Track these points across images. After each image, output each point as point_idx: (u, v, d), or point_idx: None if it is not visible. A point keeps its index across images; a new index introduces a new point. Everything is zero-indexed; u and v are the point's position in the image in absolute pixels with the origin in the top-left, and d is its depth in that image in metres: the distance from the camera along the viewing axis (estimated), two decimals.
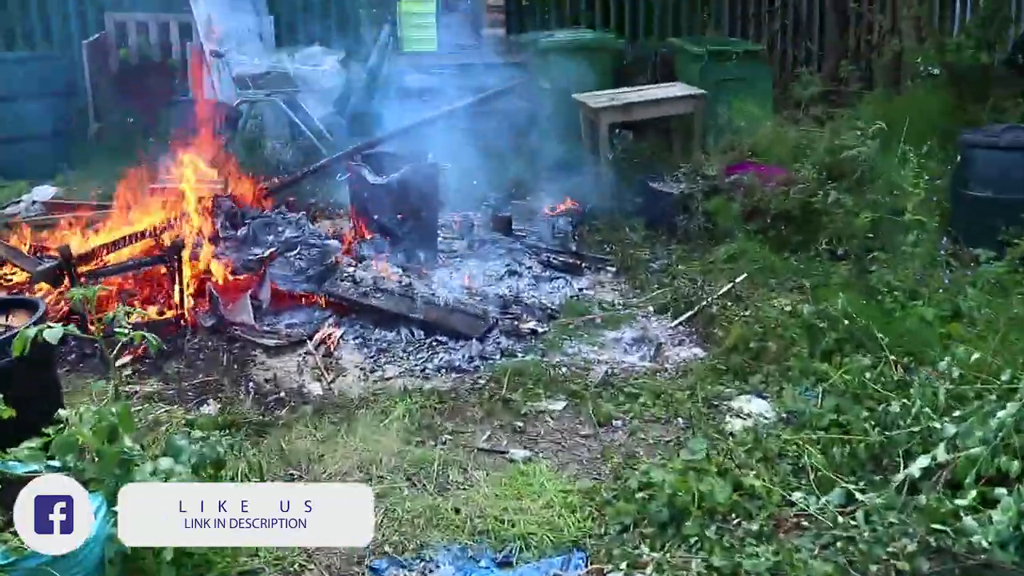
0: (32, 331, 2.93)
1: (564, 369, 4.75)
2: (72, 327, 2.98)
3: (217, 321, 5.06)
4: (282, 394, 4.46)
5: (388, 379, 4.65)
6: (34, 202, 7.18)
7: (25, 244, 5.60)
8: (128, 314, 3.11)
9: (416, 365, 4.77)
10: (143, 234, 5.25)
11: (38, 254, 5.19)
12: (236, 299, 5.21)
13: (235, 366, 4.73)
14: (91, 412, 2.97)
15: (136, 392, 4.48)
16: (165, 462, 2.91)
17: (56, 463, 3.03)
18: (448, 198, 6.99)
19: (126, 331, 3.06)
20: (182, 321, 5.07)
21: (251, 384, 4.55)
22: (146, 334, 3.19)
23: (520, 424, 4.24)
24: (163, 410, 4.26)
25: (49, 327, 2.95)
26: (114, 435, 2.95)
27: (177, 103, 8.59)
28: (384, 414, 4.26)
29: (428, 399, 4.41)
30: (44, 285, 4.95)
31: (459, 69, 9.36)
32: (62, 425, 2.96)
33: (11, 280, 5.42)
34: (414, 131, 6.94)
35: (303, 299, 5.31)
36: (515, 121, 8.71)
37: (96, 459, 2.97)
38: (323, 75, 9.61)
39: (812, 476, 3.59)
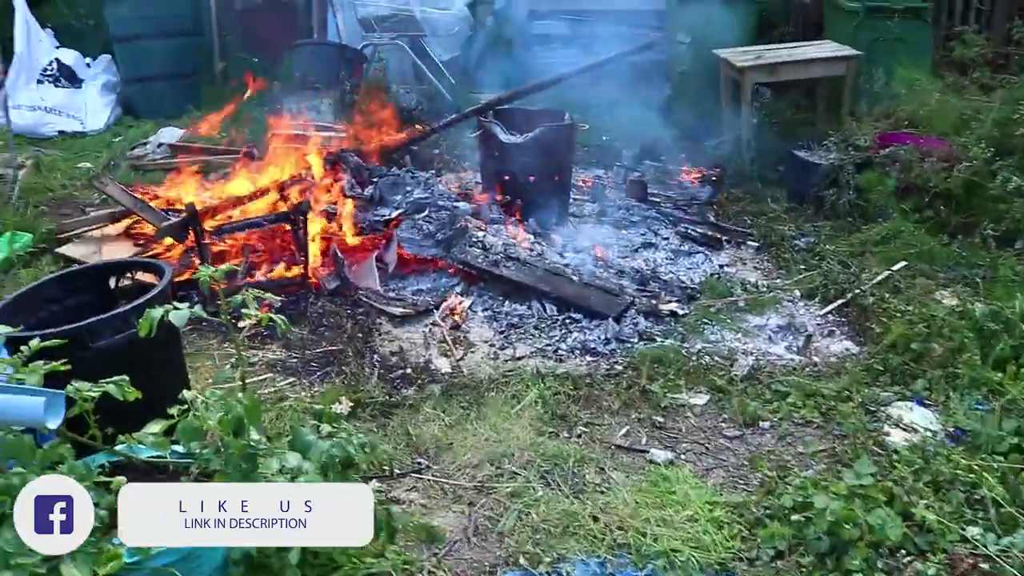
0: (158, 312, 2.77)
1: (707, 358, 4.43)
2: (198, 308, 2.80)
3: (341, 284, 4.89)
4: (408, 370, 4.27)
5: (519, 359, 4.41)
6: (160, 144, 7.13)
7: (150, 194, 5.53)
8: (256, 298, 2.91)
9: (548, 344, 4.52)
10: (268, 190, 5.09)
11: (164, 207, 5.09)
12: (361, 261, 5.03)
13: (359, 335, 4.55)
14: (217, 398, 2.81)
15: (258, 358, 4.35)
16: (293, 459, 2.73)
17: (180, 449, 2.90)
18: (579, 156, 6.67)
19: (253, 314, 2.87)
20: (306, 282, 4.92)
21: (376, 357, 4.37)
22: (274, 317, 2.99)
23: (660, 419, 3.96)
24: (286, 383, 4.12)
25: (175, 307, 2.77)
26: (240, 427, 2.79)
27: (300, 46, 8.41)
28: (515, 399, 4.04)
29: (562, 384, 4.16)
30: (168, 240, 4.86)
31: (593, 16, 8.95)
32: (187, 407, 2.82)
33: (140, 229, 5.35)
34: (547, 86, 6.57)
35: (430, 265, 5.10)
36: (650, 75, 8.29)
37: (221, 449, 2.82)
38: (450, 19, 9.32)
39: (992, 511, 3.21)
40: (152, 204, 5.10)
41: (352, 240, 5.07)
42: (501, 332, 4.63)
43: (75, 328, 3.26)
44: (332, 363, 4.29)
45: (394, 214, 5.09)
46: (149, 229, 5.17)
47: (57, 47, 8.47)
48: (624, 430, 3.88)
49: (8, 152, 6.62)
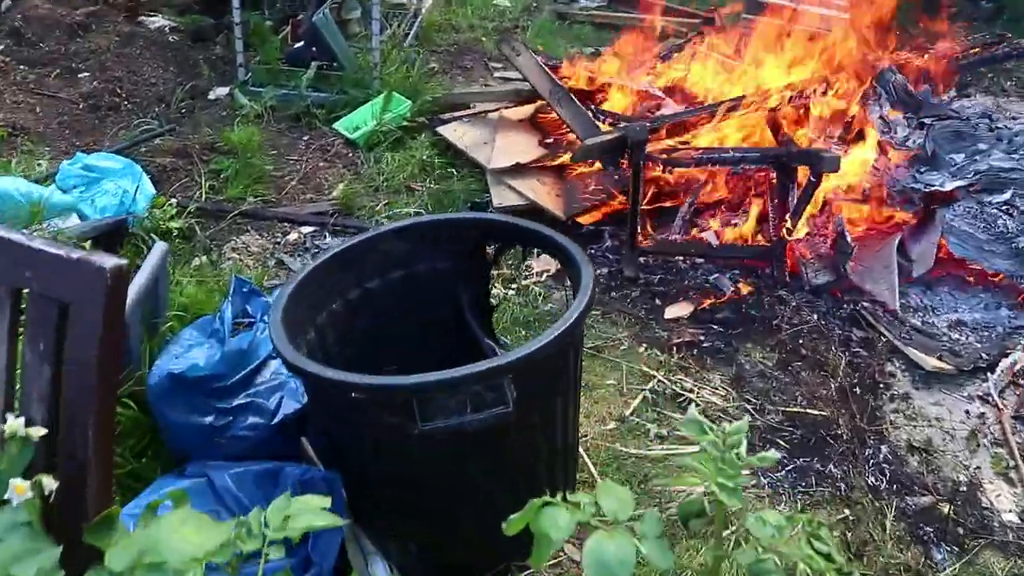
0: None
1: None
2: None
3: (834, 281, 3.05)
4: (940, 501, 2.40)
5: None
6: None
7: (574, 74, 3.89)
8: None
9: None
10: (746, 104, 3.26)
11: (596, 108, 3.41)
12: (875, 250, 3.11)
13: (857, 390, 2.72)
14: None
15: (690, 391, 2.68)
16: None
17: None
18: None
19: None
20: (778, 260, 3.13)
21: (884, 451, 2.53)
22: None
23: None
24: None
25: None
26: None
27: None
28: None
29: None
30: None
31: None
32: None
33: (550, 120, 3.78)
34: None
35: (983, 280, 3.08)
36: None
37: None
38: None
39: None
40: (575, 96, 3.46)
41: (864, 213, 3.15)
42: None
43: (393, 386, 1.75)
44: (811, 445, 2.52)
45: (949, 185, 3.06)
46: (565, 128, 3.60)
47: None
48: None
49: None
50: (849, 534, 2.24)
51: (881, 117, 3.24)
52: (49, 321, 1.25)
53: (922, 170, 3.14)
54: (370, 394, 1.77)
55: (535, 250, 2.94)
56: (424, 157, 3.77)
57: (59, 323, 1.26)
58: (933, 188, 3.07)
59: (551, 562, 2.18)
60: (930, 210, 3.10)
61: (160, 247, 2.62)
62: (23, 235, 1.29)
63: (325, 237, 3.40)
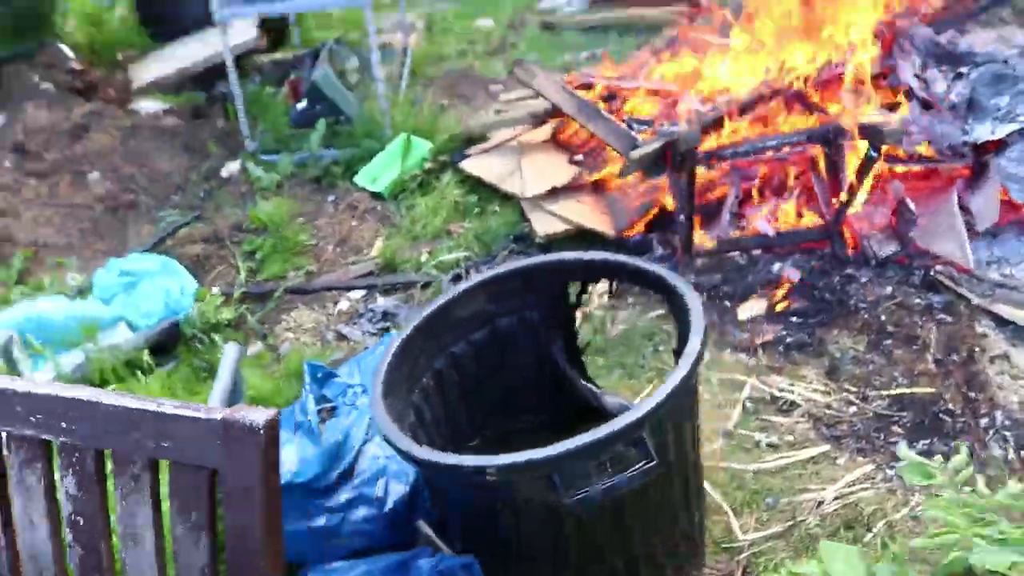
0: None
1: None
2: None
3: (900, 250, 2.99)
4: None
5: None
6: None
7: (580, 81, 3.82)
8: None
9: None
10: (774, 91, 3.20)
11: (624, 117, 3.35)
12: (931, 209, 3.05)
13: (953, 358, 2.66)
14: None
15: (788, 391, 2.61)
16: None
17: None
18: None
19: None
20: (836, 239, 3.07)
21: (1003, 421, 2.47)
22: None
23: None
24: (850, 471, 2.33)
25: None
26: None
27: None
28: None
29: None
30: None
31: None
32: None
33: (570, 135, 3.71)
34: None
35: None
36: None
37: None
38: None
39: None
40: (600, 107, 3.40)
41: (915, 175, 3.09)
42: None
43: (534, 462, 1.68)
44: (926, 426, 2.46)
45: (998, 132, 3.00)
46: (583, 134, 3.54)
47: None
48: None
49: (400, 11, 5.13)
50: None
51: (916, 75, 3.19)
52: (199, 491, 1.22)
53: (968, 122, 3.08)
54: (508, 474, 1.70)
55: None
56: (455, 197, 3.71)
57: (210, 490, 1.23)
58: (980, 140, 3.00)
59: None
60: (982, 161, 3.04)
61: (233, 349, 2.56)
62: (154, 402, 1.25)
63: (376, 299, 3.33)
